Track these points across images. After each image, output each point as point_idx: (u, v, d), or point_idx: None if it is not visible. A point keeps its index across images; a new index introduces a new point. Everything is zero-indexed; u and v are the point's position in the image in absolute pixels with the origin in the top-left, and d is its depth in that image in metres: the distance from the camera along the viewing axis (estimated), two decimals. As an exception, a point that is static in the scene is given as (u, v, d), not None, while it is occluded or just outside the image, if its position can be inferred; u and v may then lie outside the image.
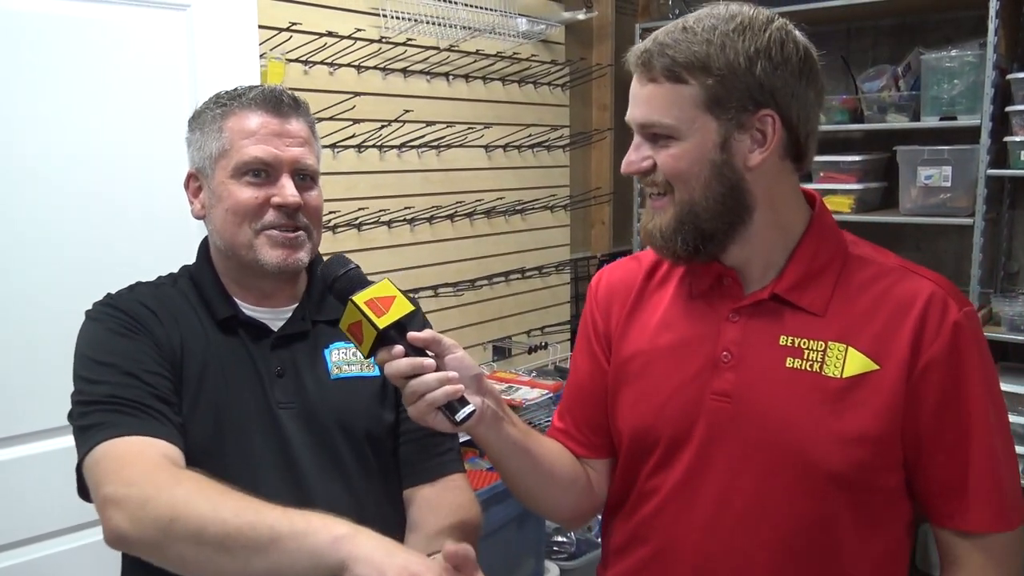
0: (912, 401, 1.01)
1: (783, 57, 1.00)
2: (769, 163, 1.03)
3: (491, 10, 2.67)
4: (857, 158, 2.73)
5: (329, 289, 1.07)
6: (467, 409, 0.99)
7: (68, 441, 1.75)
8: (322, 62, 2.32)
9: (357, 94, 2.37)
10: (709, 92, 0.99)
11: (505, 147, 2.90)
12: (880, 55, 2.93)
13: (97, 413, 1.09)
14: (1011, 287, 2.79)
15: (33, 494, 1.78)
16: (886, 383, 1.01)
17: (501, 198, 2.89)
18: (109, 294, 1.23)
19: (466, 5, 2.59)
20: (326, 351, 1.25)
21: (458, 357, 1.03)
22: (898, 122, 2.70)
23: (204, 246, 1.29)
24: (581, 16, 3.06)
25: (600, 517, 1.28)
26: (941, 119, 2.58)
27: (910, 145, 2.65)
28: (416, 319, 1.03)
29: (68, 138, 1.78)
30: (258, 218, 1.18)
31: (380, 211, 2.49)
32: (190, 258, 1.30)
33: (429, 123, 2.61)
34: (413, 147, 2.58)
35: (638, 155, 1.06)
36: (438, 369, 0.99)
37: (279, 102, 1.21)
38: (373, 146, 2.47)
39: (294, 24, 2.20)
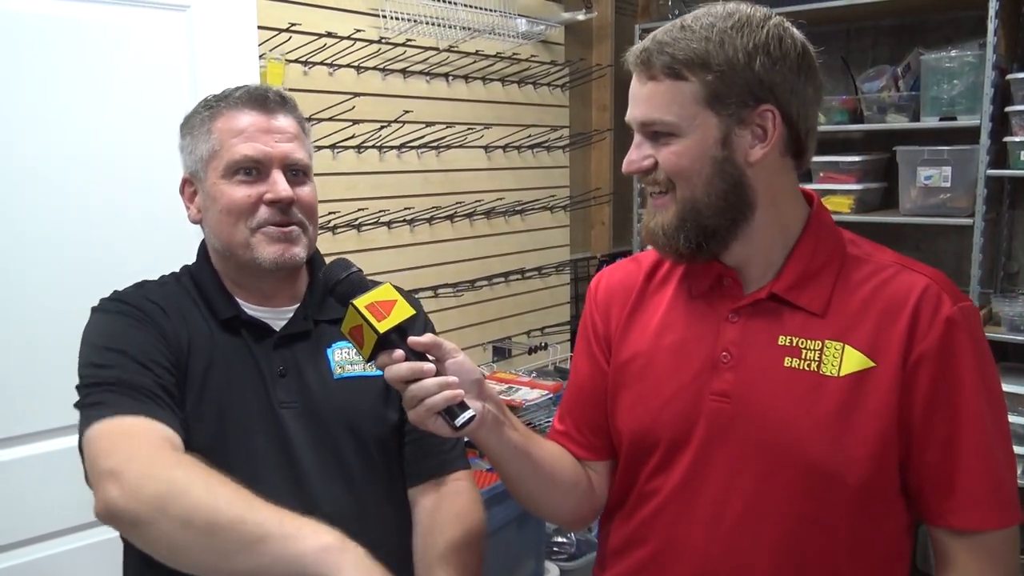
0: (904, 396, 1.00)
1: (781, 52, 1.00)
2: (770, 159, 1.03)
3: (491, 11, 2.67)
4: (857, 158, 2.73)
5: (331, 292, 1.07)
6: (467, 414, 0.99)
7: (69, 442, 1.75)
8: (321, 63, 2.32)
9: (356, 95, 2.37)
10: (709, 88, 1.00)
11: (505, 148, 2.90)
12: (880, 55, 2.93)
13: (102, 393, 1.09)
14: (1011, 287, 2.79)
15: (34, 495, 1.78)
16: (883, 380, 1.01)
17: (501, 199, 2.89)
18: (116, 291, 1.23)
19: (465, 6, 2.58)
20: (328, 351, 1.25)
21: (459, 361, 1.03)
22: (898, 122, 2.70)
23: (204, 247, 1.29)
24: (581, 17, 3.06)
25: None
26: (941, 119, 2.58)
27: (910, 145, 2.64)
28: (417, 323, 1.03)
29: (68, 139, 1.78)
30: (252, 216, 1.19)
31: (380, 212, 2.49)
32: (189, 258, 1.30)
33: (429, 124, 2.61)
34: (413, 148, 2.58)
35: (639, 154, 1.06)
36: (438, 373, 0.99)
37: (265, 99, 1.22)
38: (373, 147, 2.47)
39: (293, 25, 2.20)
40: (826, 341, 1.03)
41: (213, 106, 1.22)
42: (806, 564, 1.04)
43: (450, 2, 2.54)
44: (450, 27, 2.54)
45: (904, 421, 1.01)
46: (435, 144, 2.64)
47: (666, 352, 1.13)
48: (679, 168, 1.03)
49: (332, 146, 2.36)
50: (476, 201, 2.80)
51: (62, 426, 1.59)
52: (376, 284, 1.04)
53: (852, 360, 1.02)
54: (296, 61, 2.25)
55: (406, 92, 2.55)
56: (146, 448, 1.02)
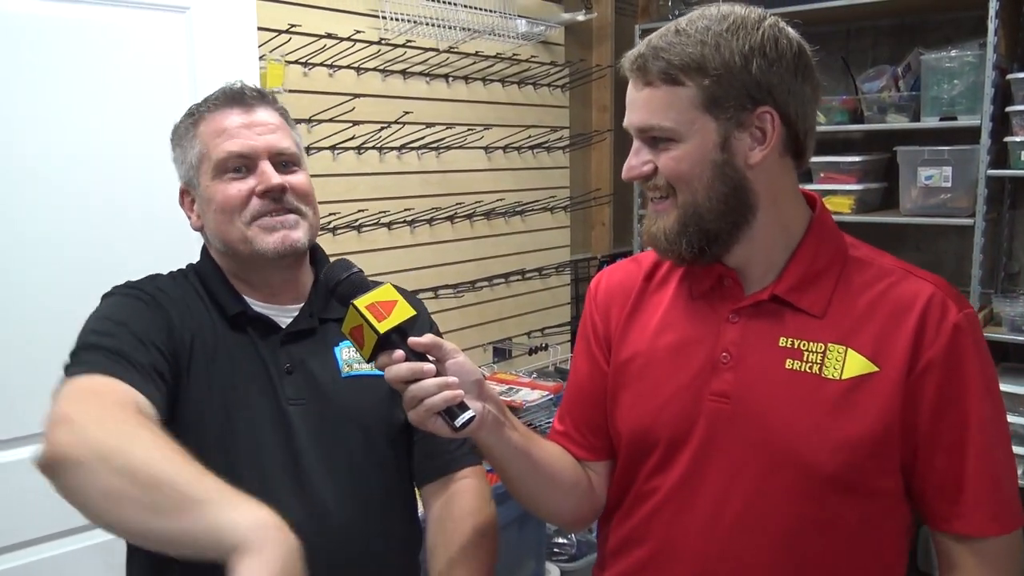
0: (910, 403, 1.01)
1: (778, 53, 1.00)
2: (770, 160, 1.03)
3: (490, 11, 2.67)
4: (857, 159, 2.73)
5: (331, 293, 1.08)
6: (467, 414, 0.99)
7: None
8: (321, 64, 2.32)
9: (356, 96, 2.37)
10: (706, 92, 0.99)
11: (505, 148, 2.90)
12: (880, 55, 2.93)
13: (90, 354, 1.07)
14: (1012, 287, 2.79)
15: (35, 496, 1.77)
16: (885, 385, 1.01)
17: (501, 199, 2.89)
18: (129, 281, 1.24)
19: (465, 7, 2.59)
20: (336, 349, 1.26)
21: (459, 362, 1.03)
22: (898, 122, 2.70)
23: (206, 247, 1.29)
24: (581, 17, 3.06)
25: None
26: (941, 119, 2.58)
27: (910, 145, 2.64)
28: (417, 324, 1.03)
29: (69, 139, 1.78)
30: (245, 209, 1.19)
31: (380, 213, 2.49)
32: (189, 258, 1.30)
33: (429, 125, 2.61)
34: (413, 149, 2.58)
35: (638, 160, 1.05)
36: (439, 374, 0.99)
37: (242, 96, 1.23)
38: (373, 148, 2.47)
39: (293, 26, 2.20)
40: (829, 344, 1.03)
41: (194, 113, 1.24)
42: (805, 565, 1.04)
43: (450, 3, 2.54)
44: (450, 28, 2.54)
45: (908, 426, 1.01)
46: (435, 145, 2.64)
47: (665, 352, 1.13)
48: (679, 173, 1.02)
49: (332, 147, 2.36)
50: (476, 202, 2.80)
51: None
52: (377, 285, 1.05)
53: (855, 364, 1.02)
54: (296, 62, 2.25)
55: (406, 93, 2.55)
56: (109, 402, 0.99)
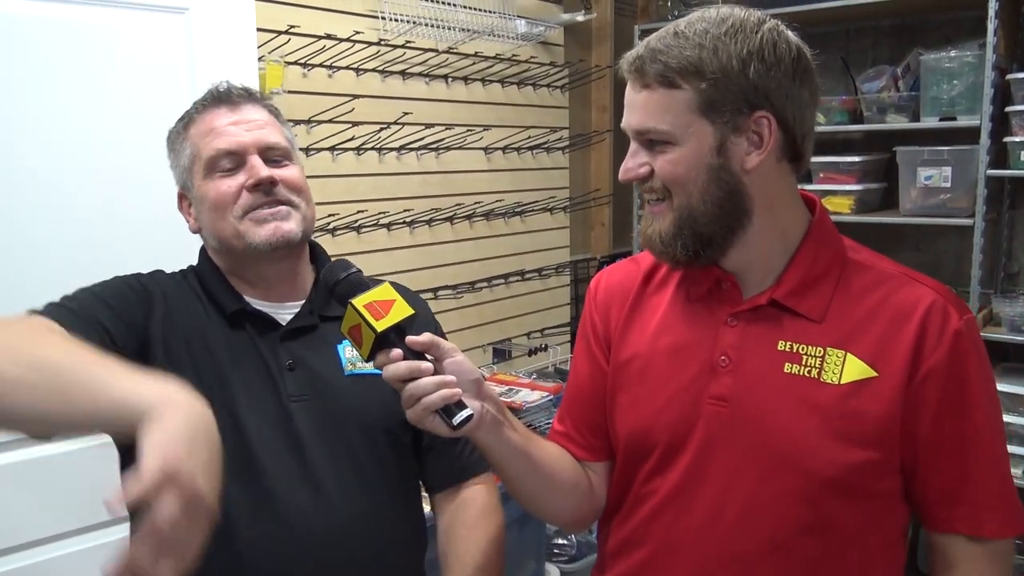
0: (912, 408, 1.01)
1: (776, 58, 1.00)
2: (766, 165, 1.03)
3: (490, 12, 2.67)
4: (857, 159, 2.73)
5: (330, 292, 1.08)
6: (464, 413, 0.99)
7: (71, 445, 1.76)
8: (321, 65, 2.32)
9: (356, 96, 2.37)
10: (703, 96, 0.99)
11: (504, 149, 2.90)
12: (879, 56, 2.93)
13: (45, 306, 1.09)
14: (1011, 288, 2.79)
15: (37, 497, 1.78)
16: (885, 390, 1.01)
17: (500, 200, 2.89)
18: (138, 272, 1.26)
19: (465, 7, 2.59)
20: (339, 347, 1.26)
21: (457, 361, 1.03)
22: (898, 123, 2.70)
23: (204, 248, 1.30)
24: (580, 18, 3.06)
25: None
26: (941, 120, 2.58)
27: (910, 146, 2.64)
28: (417, 322, 1.03)
29: (67, 141, 1.78)
30: (237, 204, 1.20)
31: (379, 214, 2.49)
32: (189, 259, 1.31)
33: (428, 125, 2.61)
34: (412, 149, 2.58)
35: (635, 162, 1.05)
36: (436, 373, 0.99)
37: (228, 94, 1.25)
38: (372, 148, 2.47)
39: (292, 27, 2.20)
40: (828, 348, 1.03)
41: (185, 117, 1.26)
42: (803, 567, 1.04)
43: (449, 4, 2.54)
44: (449, 29, 2.54)
45: (909, 432, 1.01)
46: (434, 146, 2.64)
47: (664, 354, 1.12)
48: (675, 176, 1.02)
49: (331, 148, 2.36)
50: (476, 203, 2.80)
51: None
52: (376, 284, 1.05)
53: (853, 368, 1.02)
54: (295, 63, 2.25)
55: (405, 94, 2.55)
56: (32, 324, 1.00)
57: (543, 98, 3.05)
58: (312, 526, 1.14)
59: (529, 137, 2.97)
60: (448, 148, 2.69)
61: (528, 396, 2.56)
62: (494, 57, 2.81)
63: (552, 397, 2.55)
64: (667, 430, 1.10)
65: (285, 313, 1.25)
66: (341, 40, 2.32)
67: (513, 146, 2.92)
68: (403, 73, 2.54)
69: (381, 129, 2.45)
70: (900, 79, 2.71)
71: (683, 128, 1.00)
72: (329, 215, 2.34)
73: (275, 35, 2.17)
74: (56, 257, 1.76)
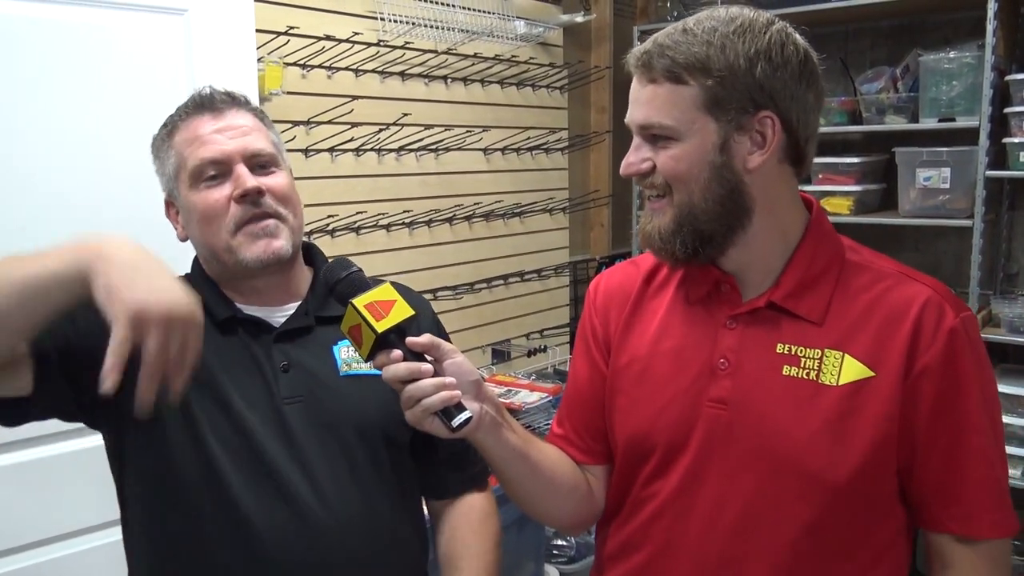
0: (908, 407, 1.00)
1: (783, 59, 1.00)
2: (768, 166, 1.03)
3: (489, 13, 2.67)
4: (856, 160, 2.73)
5: (331, 292, 1.07)
6: (463, 415, 0.99)
7: (72, 446, 1.76)
8: (320, 66, 2.32)
9: (355, 97, 2.37)
10: (709, 93, 0.99)
11: (503, 150, 2.90)
12: (878, 56, 2.93)
13: None
14: (1010, 288, 2.79)
15: (39, 498, 1.78)
16: (882, 390, 1.00)
17: (500, 201, 2.89)
18: None
19: (464, 8, 2.59)
20: (335, 348, 1.25)
21: (457, 362, 1.03)
22: (897, 124, 2.70)
23: (197, 256, 1.29)
24: (579, 18, 3.06)
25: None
26: (940, 120, 2.58)
27: (909, 147, 2.64)
28: (417, 323, 1.03)
29: (66, 142, 1.78)
30: (226, 217, 1.18)
31: (378, 215, 2.49)
32: (185, 264, 1.30)
33: (427, 126, 2.61)
34: (411, 150, 2.58)
35: (637, 156, 1.05)
36: (436, 374, 0.99)
37: (212, 100, 1.22)
38: (371, 149, 2.47)
39: (292, 28, 2.20)
40: (826, 350, 1.03)
41: (168, 124, 1.24)
42: (803, 569, 1.04)
43: (448, 5, 2.54)
44: (448, 29, 2.54)
45: (906, 431, 1.01)
46: (434, 147, 2.64)
47: (663, 357, 1.12)
48: (676, 172, 1.02)
49: (330, 149, 2.36)
50: (475, 203, 2.80)
51: (65, 430, 1.59)
52: (377, 283, 1.05)
53: (851, 369, 1.02)
54: (294, 64, 2.25)
55: (405, 95, 2.55)
56: None
57: (542, 99, 3.05)
58: (314, 521, 1.14)
59: (528, 138, 2.97)
60: (447, 149, 2.69)
61: (527, 397, 2.56)
62: (493, 58, 2.81)
63: (551, 398, 2.55)
64: (666, 433, 1.10)
65: (279, 316, 1.24)
66: (340, 41, 2.32)
67: (512, 147, 2.92)
68: (402, 74, 2.54)
69: (380, 130, 2.45)
70: (899, 80, 2.72)
71: (687, 124, 1.00)
72: (328, 216, 2.34)
73: (274, 36, 2.17)
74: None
